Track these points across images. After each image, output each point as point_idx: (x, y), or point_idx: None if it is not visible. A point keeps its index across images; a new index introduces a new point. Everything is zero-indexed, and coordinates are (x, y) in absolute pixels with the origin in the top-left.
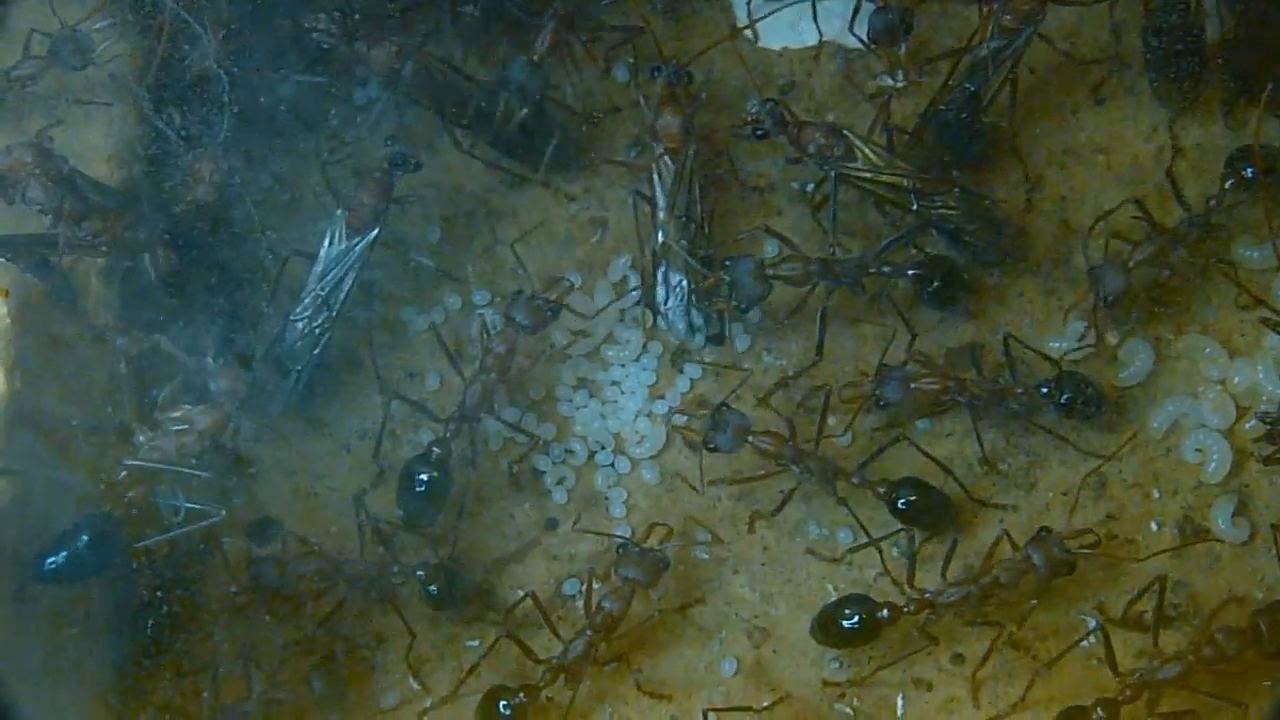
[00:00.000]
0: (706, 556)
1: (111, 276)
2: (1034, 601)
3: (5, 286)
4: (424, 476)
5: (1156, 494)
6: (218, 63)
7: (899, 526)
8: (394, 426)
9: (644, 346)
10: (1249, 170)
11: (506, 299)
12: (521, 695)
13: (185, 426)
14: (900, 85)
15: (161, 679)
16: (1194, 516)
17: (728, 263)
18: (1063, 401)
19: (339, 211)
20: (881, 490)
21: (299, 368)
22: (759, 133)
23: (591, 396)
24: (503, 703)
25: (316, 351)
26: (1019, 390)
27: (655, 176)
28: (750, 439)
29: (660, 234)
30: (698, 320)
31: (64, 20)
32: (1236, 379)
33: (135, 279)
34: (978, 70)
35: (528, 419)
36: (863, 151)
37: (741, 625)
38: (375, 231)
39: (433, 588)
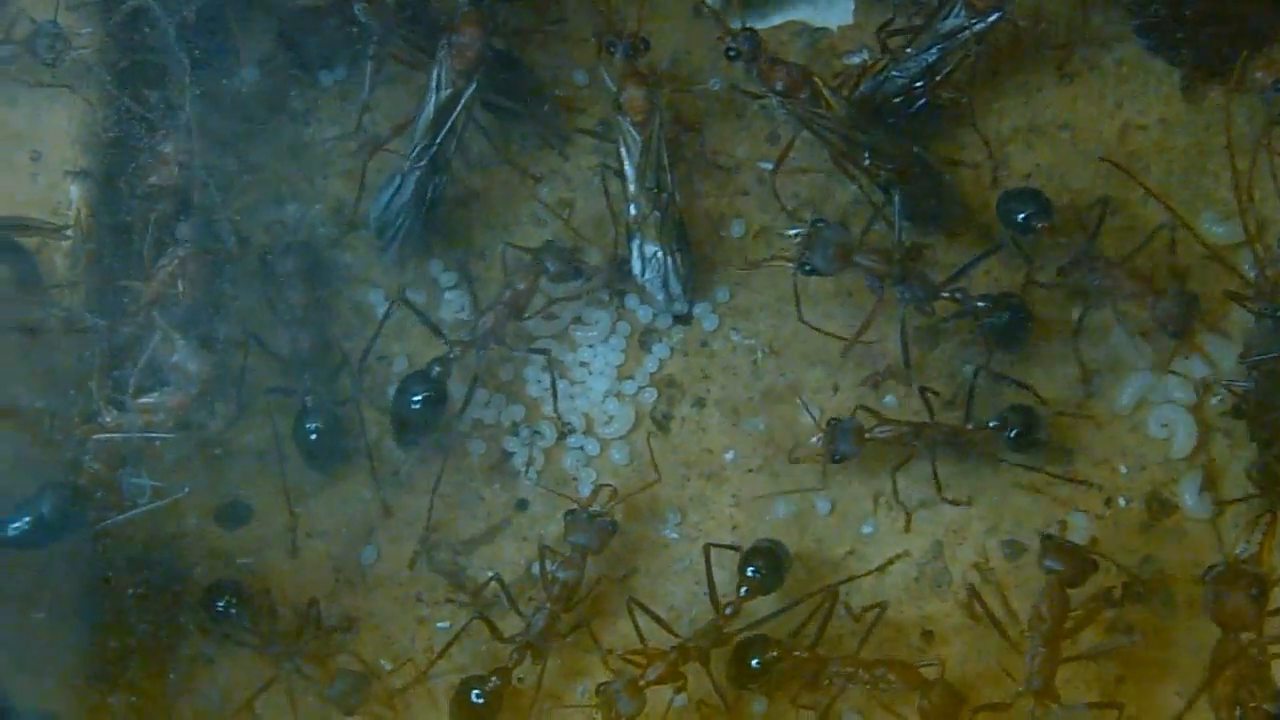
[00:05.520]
0: (676, 536)
1: (78, 260)
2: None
3: None
4: (420, 394)
5: (1123, 470)
6: (179, 45)
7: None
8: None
9: (612, 327)
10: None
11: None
12: (494, 679)
13: (152, 406)
14: (868, 63)
15: (130, 661)
16: (1161, 492)
17: (820, 223)
18: (1013, 436)
19: (440, 53)
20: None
21: (422, 211)
22: (731, 53)
23: (560, 377)
24: (475, 691)
25: (436, 195)
26: (970, 427)
27: (623, 150)
28: (857, 257)
29: (632, 207)
30: (676, 290)
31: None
32: None
33: (102, 262)
34: (938, 44)
35: (496, 400)
36: (827, 99)
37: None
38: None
39: (310, 424)
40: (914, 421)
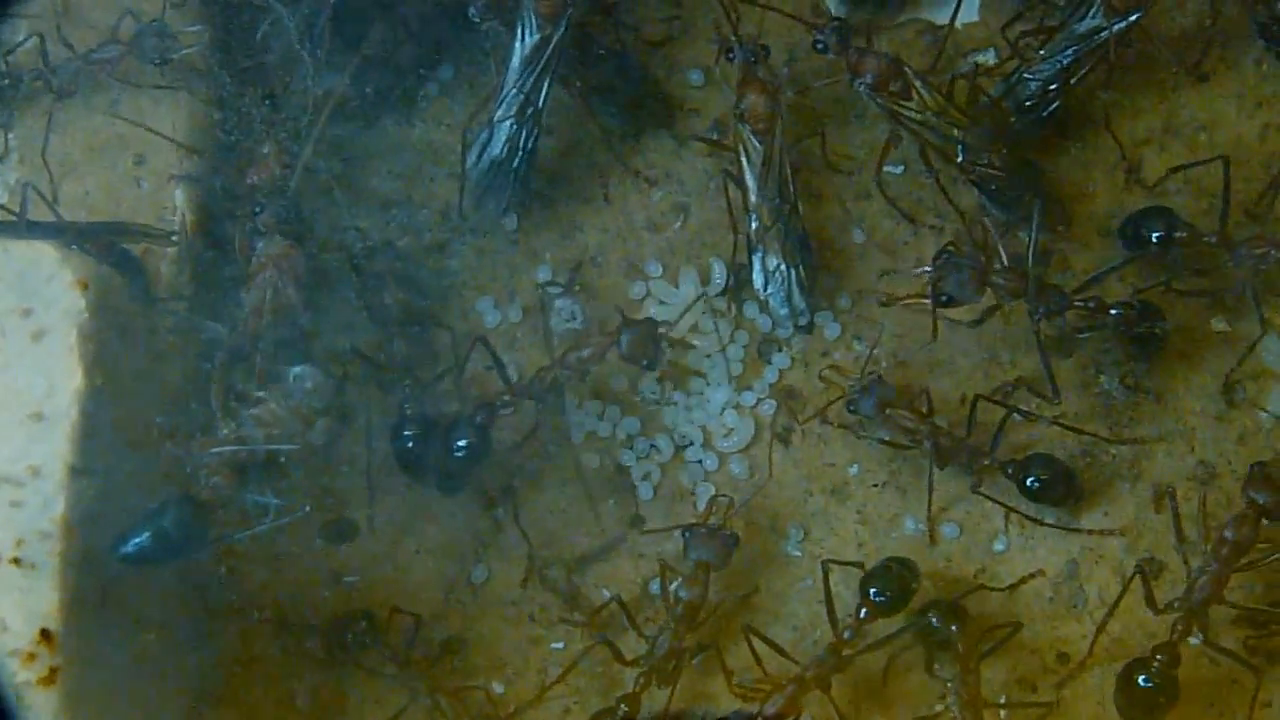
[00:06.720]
0: (799, 554)
1: (183, 266)
2: None
3: (84, 279)
4: (461, 442)
5: None
6: (300, 44)
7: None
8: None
9: (730, 336)
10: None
11: (626, 320)
12: (624, 707)
13: (270, 420)
14: (992, 64)
15: (252, 686)
16: None
17: (948, 252)
18: (1028, 485)
19: (527, 1)
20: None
21: (515, 165)
22: (819, 45)
23: (676, 388)
24: None
25: (528, 148)
26: (985, 461)
27: (743, 159)
28: (992, 278)
29: (754, 219)
30: (800, 304)
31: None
32: None
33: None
34: (1073, 45)
35: (610, 412)
36: (919, 91)
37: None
38: (569, 12)
39: (406, 433)
40: (936, 425)
